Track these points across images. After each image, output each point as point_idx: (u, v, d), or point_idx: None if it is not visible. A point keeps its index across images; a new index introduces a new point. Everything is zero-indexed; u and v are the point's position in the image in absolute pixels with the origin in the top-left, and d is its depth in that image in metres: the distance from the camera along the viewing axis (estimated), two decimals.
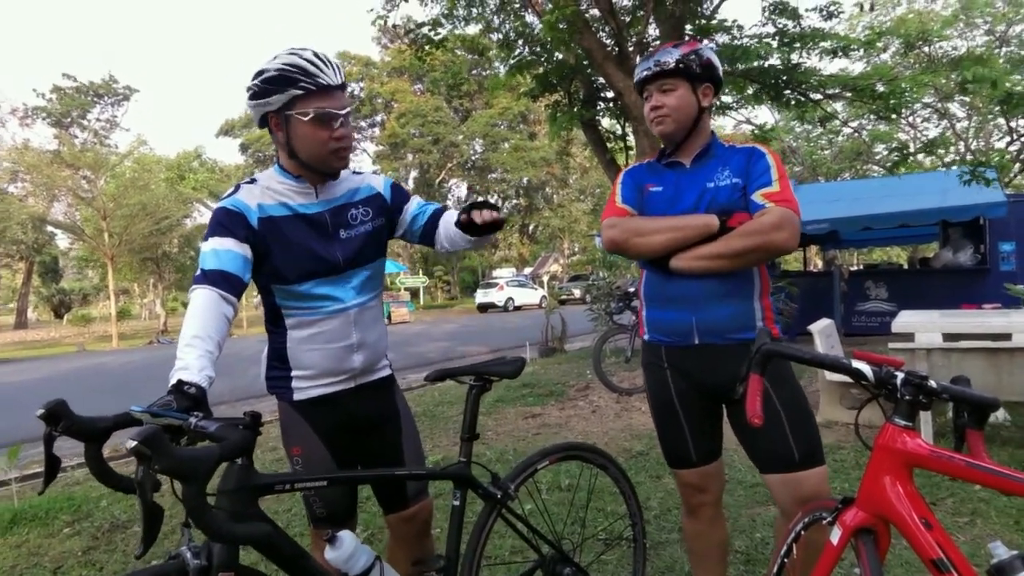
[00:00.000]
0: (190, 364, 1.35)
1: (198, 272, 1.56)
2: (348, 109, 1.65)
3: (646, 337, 1.94)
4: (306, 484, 1.55)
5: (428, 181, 38.10)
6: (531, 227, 43.86)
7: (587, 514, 2.64)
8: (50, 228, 31.14)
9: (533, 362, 9.03)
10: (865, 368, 1.23)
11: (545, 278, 36.97)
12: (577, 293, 26.99)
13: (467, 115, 38.37)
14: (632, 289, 14.11)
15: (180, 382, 1.31)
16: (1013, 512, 2.94)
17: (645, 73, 1.80)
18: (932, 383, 1.16)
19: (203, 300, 1.49)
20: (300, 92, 1.56)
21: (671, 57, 1.77)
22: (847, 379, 3.78)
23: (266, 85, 1.57)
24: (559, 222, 38.94)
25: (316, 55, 1.59)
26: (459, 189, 42.95)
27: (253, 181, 1.72)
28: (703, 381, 1.80)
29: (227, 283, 1.53)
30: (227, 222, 1.61)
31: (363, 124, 40.84)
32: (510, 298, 28.54)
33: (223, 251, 1.57)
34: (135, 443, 1.05)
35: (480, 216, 1.69)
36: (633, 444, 4.47)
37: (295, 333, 1.73)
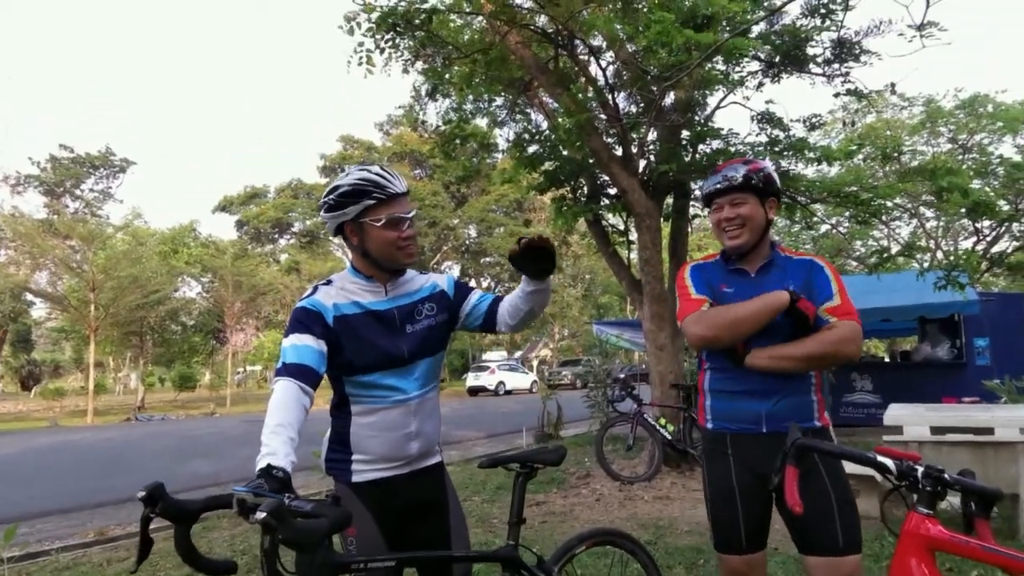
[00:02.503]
0: (277, 450, 1.48)
1: (279, 365, 1.72)
2: (413, 212, 1.88)
3: (709, 426, 2.08)
4: (377, 564, 1.65)
5: (423, 263, 38.66)
6: None
7: None
8: (29, 297, 30.81)
9: (530, 448, 9.01)
10: (889, 462, 1.41)
11: (535, 362, 36.96)
12: (568, 379, 26.92)
13: (463, 200, 39.49)
14: (623, 375, 14.24)
15: (269, 466, 1.43)
16: None
17: (717, 187, 2.01)
18: (947, 476, 1.35)
19: (285, 391, 1.63)
20: (372, 202, 1.79)
21: (739, 173, 1.98)
22: (861, 471, 3.90)
23: (342, 199, 1.80)
24: (550, 307, 39.37)
25: (383, 169, 1.85)
26: (452, 271, 43.55)
27: (329, 283, 1.92)
28: (763, 467, 1.90)
29: (305, 376, 1.68)
30: (306, 320, 1.78)
31: None
32: (501, 382, 28.26)
33: (302, 346, 1.72)
34: (263, 514, 1.18)
35: (527, 240, 1.78)
36: (640, 534, 4.50)
37: (359, 419, 1.87)
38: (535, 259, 1.81)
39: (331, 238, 41.03)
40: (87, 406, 23.17)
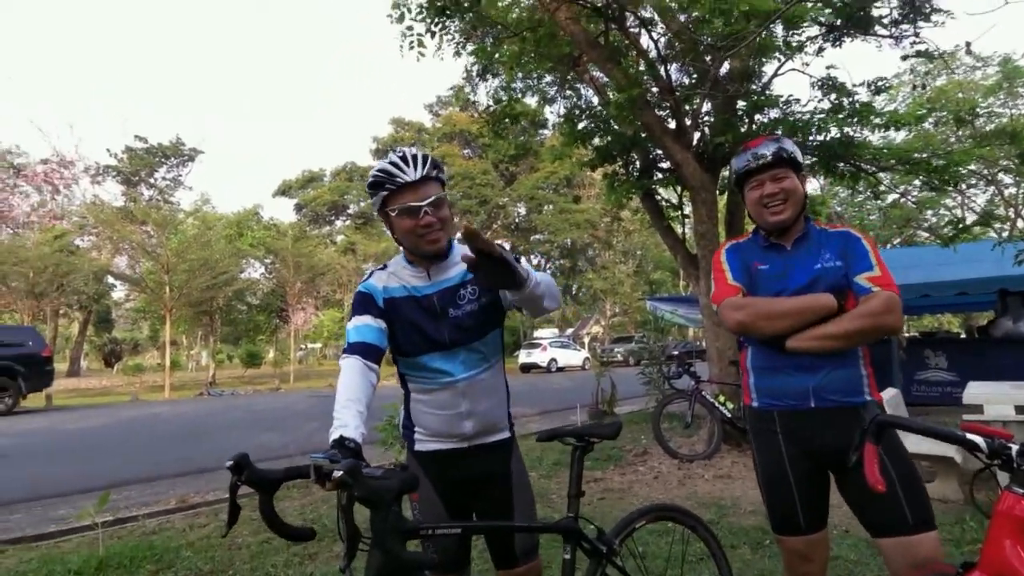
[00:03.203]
0: (348, 423, 1.57)
1: (345, 346, 1.81)
2: (432, 198, 1.79)
3: (755, 404, 2.03)
4: (443, 531, 1.69)
5: None
6: (574, 288, 44.07)
7: (683, 573, 2.69)
8: (110, 279, 32.68)
9: (585, 424, 9.03)
10: (979, 440, 1.34)
11: (586, 339, 36.86)
12: (620, 356, 26.77)
13: (512, 178, 39.47)
14: (678, 352, 14.06)
15: (342, 437, 1.52)
16: None
17: (748, 165, 1.98)
18: None
19: (351, 368, 1.73)
20: (386, 192, 1.81)
21: (770, 149, 1.96)
22: (939, 452, 3.73)
23: (369, 189, 1.86)
24: (602, 284, 39.11)
25: (401, 156, 1.82)
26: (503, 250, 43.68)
27: (384, 267, 1.98)
28: (814, 445, 1.89)
29: (368, 353, 1.77)
30: (363, 302, 1.89)
31: None
32: (553, 359, 28.31)
33: (363, 326, 1.82)
34: (340, 473, 1.26)
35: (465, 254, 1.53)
36: (701, 513, 4.43)
37: (415, 396, 1.97)
38: (490, 267, 1.55)
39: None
40: (164, 382, 24.46)
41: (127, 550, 4.02)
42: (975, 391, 4.84)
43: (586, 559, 1.92)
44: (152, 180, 37.99)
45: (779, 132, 6.30)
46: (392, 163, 1.80)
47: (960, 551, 3.37)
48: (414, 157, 1.81)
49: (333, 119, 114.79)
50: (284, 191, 43.06)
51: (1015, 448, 1.29)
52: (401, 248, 1.95)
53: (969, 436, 1.35)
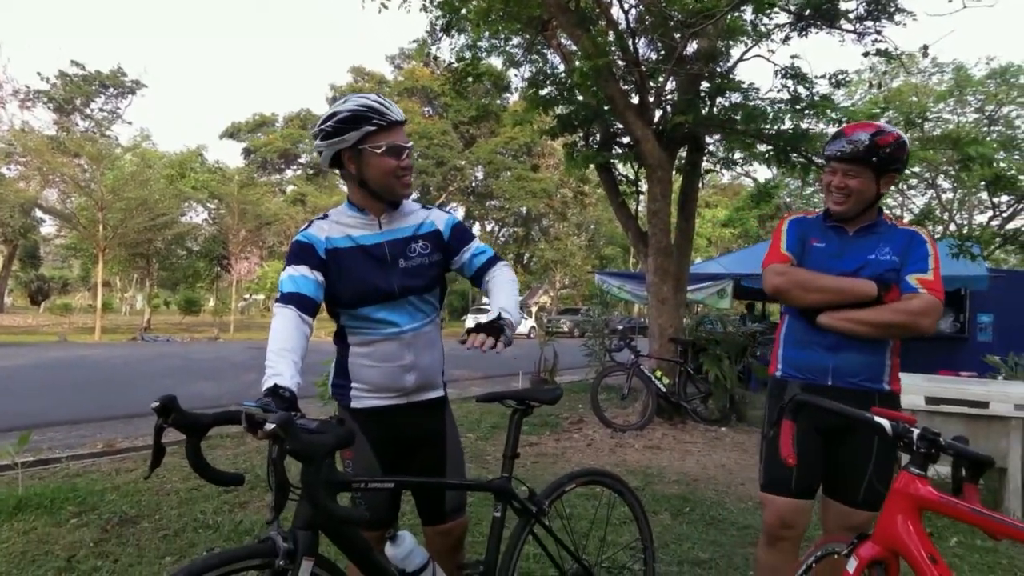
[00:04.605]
0: (283, 372, 1.53)
1: (278, 295, 1.77)
2: (411, 143, 1.87)
3: (778, 373, 2.12)
4: (376, 485, 1.71)
5: (428, 202, 38.44)
6: (525, 257, 44.21)
7: (606, 536, 2.80)
8: (38, 213, 30.88)
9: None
10: (885, 423, 1.43)
11: (534, 308, 37.15)
12: (566, 327, 27.13)
13: (472, 141, 38.93)
14: (622, 327, 14.39)
15: (276, 386, 1.49)
16: (984, 569, 3.15)
17: (838, 152, 1.95)
18: (942, 440, 1.37)
19: (285, 318, 1.69)
20: (372, 128, 1.77)
21: (862, 140, 1.91)
22: None
23: (340, 124, 1.77)
24: (554, 254, 39.36)
25: (380, 97, 1.83)
26: (457, 213, 43.36)
27: (325, 217, 1.93)
28: (822, 420, 1.93)
29: (303, 305, 1.73)
30: (300, 252, 1.82)
31: None
32: None
33: (300, 277, 1.77)
34: (272, 426, 1.24)
35: (472, 340, 1.72)
36: (629, 480, 4.61)
37: (356, 350, 1.92)
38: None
39: (328, 170, 41.20)
40: (94, 323, 23.57)
41: (48, 491, 3.91)
42: None
43: (515, 518, 1.97)
44: (88, 110, 35.92)
45: (738, 117, 6.40)
46: (377, 101, 1.79)
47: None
48: (390, 102, 1.83)
49: (289, 63, 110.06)
50: (232, 133, 41.32)
51: (916, 432, 1.39)
52: (348, 197, 1.92)
53: (877, 419, 1.44)
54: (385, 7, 6.56)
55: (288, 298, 1.72)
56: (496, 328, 1.73)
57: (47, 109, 34.45)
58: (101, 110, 36.56)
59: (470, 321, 28.98)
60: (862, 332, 1.91)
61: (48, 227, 35.79)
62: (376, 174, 1.81)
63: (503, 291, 1.94)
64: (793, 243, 2.07)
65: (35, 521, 3.56)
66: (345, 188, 1.98)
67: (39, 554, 3.14)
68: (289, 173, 42.96)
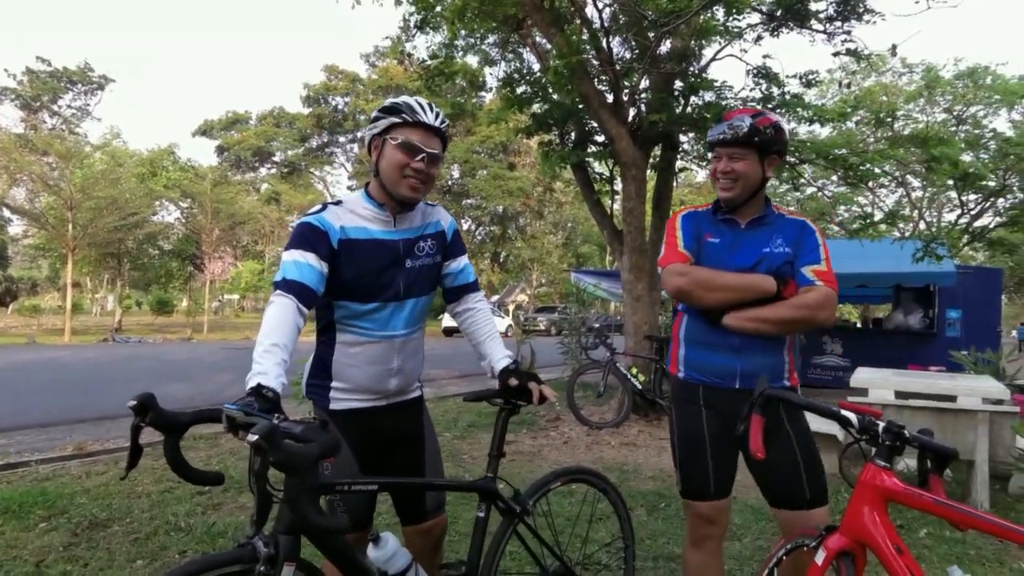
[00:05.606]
0: (268, 371, 1.46)
1: (279, 279, 1.67)
2: (435, 151, 1.82)
3: (681, 375, 2.09)
4: (360, 487, 1.67)
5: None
6: (502, 256, 44.18)
7: (588, 534, 2.82)
8: (6, 213, 30.12)
9: None
10: (852, 416, 1.46)
11: (511, 307, 37.20)
12: (543, 325, 27.18)
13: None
14: (598, 325, 14.48)
15: (260, 385, 1.41)
16: (952, 559, 3.23)
17: (720, 136, 1.97)
18: (907, 432, 1.40)
19: (284, 309, 1.61)
20: (399, 121, 1.77)
21: (744, 124, 1.93)
22: (823, 430, 4.03)
23: (379, 113, 1.81)
24: (530, 253, 39.36)
25: (425, 102, 1.83)
26: None
27: (339, 203, 1.86)
28: (732, 422, 1.93)
29: (303, 296, 1.65)
30: (312, 237, 1.73)
31: (342, 140, 40.94)
32: None
33: (305, 265, 1.68)
34: (256, 437, 1.18)
35: (546, 393, 1.91)
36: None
37: (344, 348, 1.86)
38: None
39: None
40: (64, 325, 23.02)
41: (16, 495, 3.84)
42: (862, 376, 5.24)
43: (499, 518, 1.96)
44: (56, 107, 35.12)
45: (708, 116, 6.46)
46: (416, 101, 1.81)
47: (833, 519, 3.68)
48: (436, 111, 1.83)
49: (262, 62, 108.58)
50: (205, 131, 40.55)
51: (881, 425, 1.42)
52: (365, 188, 1.89)
53: (843, 412, 1.47)
54: (358, 3, 6.50)
55: (290, 286, 1.64)
56: (534, 375, 1.93)
57: (14, 107, 33.68)
58: (69, 107, 35.82)
59: (447, 320, 28.86)
60: (766, 330, 1.92)
61: (16, 227, 34.95)
62: (385, 164, 1.79)
63: (498, 340, 2.09)
64: (689, 240, 2.04)
65: (3, 526, 3.50)
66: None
67: (7, 559, 3.08)
68: (263, 171, 42.33)
